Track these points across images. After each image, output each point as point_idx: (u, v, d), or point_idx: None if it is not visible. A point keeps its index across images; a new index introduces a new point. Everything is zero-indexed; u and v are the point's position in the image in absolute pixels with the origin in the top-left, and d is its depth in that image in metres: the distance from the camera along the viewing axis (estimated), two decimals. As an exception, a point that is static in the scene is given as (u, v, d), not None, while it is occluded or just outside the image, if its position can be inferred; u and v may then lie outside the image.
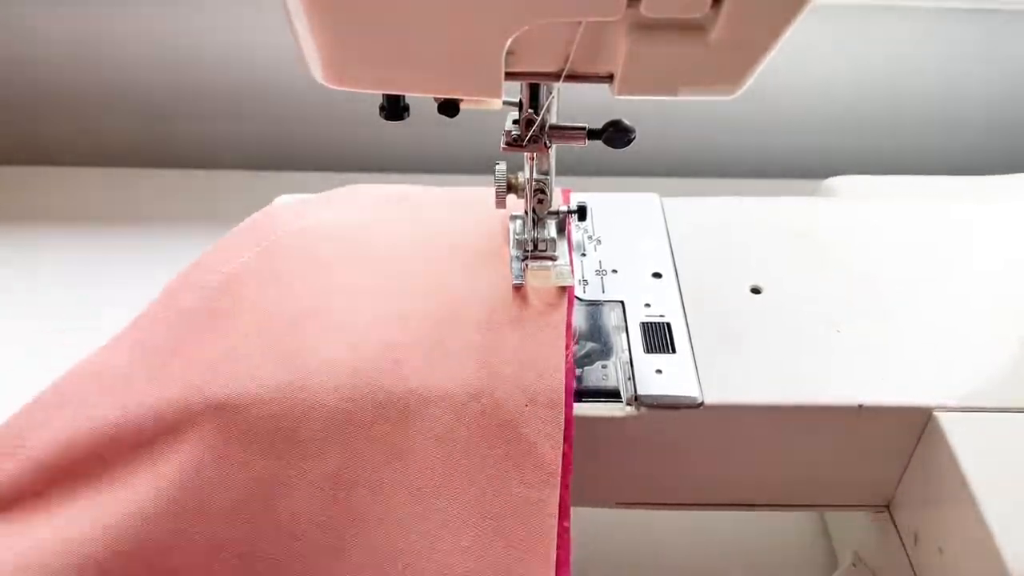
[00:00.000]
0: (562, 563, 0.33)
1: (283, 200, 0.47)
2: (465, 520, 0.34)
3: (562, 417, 0.35)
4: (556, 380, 0.36)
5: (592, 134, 0.37)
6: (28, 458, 0.35)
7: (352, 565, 0.33)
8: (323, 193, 0.47)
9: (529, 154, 0.38)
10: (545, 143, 0.37)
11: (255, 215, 0.44)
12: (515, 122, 0.37)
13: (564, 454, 0.35)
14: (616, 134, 0.36)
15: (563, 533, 0.34)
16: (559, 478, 0.34)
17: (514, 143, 0.36)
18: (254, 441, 0.35)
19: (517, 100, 0.36)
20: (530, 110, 0.36)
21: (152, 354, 0.38)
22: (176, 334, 0.38)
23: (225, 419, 0.35)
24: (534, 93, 0.35)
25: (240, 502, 0.34)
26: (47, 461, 0.35)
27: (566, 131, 0.37)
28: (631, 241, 0.45)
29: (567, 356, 0.37)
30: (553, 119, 0.37)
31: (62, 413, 0.36)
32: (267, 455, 0.35)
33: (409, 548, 0.33)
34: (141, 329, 0.39)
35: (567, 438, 0.35)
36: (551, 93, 0.36)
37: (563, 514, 0.34)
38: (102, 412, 0.36)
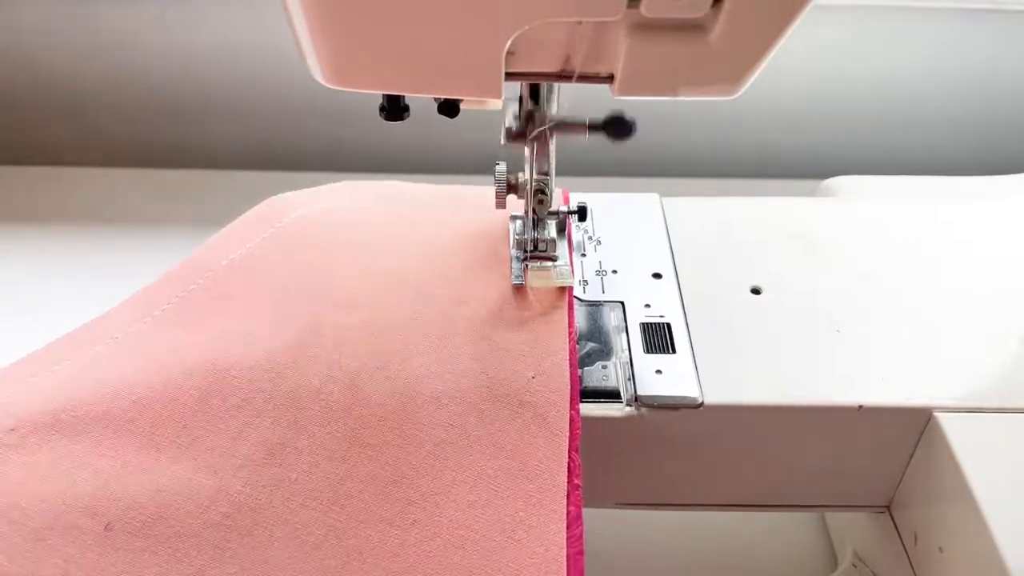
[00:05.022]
0: (574, 518, 0.33)
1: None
2: (475, 478, 0.34)
3: (567, 385, 0.35)
4: (560, 359, 0.36)
5: (593, 127, 0.36)
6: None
7: (360, 520, 0.33)
8: (320, 187, 0.47)
9: (529, 153, 0.38)
10: (546, 137, 0.37)
11: (259, 205, 0.45)
12: (516, 117, 0.37)
13: (571, 419, 0.35)
14: (618, 127, 0.36)
15: (574, 490, 0.33)
16: (566, 439, 0.34)
17: (514, 137, 0.36)
18: (266, 413, 0.35)
19: (518, 95, 0.36)
20: (531, 103, 0.36)
21: (166, 330, 0.38)
22: (187, 313, 0.39)
23: (237, 391, 0.35)
24: (534, 89, 0.35)
25: (251, 462, 0.34)
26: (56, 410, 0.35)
27: (567, 125, 0.37)
28: (631, 241, 0.45)
29: (571, 344, 0.37)
30: (554, 113, 0.37)
31: (65, 373, 0.36)
32: (277, 425, 0.35)
33: (418, 502, 0.33)
34: (147, 306, 0.40)
35: (574, 403, 0.35)
36: (552, 88, 0.36)
37: (573, 472, 0.34)
38: (115, 377, 0.36)
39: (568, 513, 0.33)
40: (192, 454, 0.34)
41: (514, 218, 0.43)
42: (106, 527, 0.31)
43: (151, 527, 0.31)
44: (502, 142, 0.36)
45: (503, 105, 0.36)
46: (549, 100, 0.36)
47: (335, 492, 0.33)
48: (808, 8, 0.29)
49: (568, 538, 0.32)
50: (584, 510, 0.34)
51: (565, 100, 0.37)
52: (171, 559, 0.31)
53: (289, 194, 0.46)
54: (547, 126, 0.36)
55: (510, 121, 0.36)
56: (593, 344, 0.40)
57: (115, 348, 0.37)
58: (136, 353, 0.37)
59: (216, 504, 0.32)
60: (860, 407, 0.37)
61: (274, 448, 0.34)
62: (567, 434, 0.35)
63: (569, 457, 0.34)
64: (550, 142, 0.37)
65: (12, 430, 0.33)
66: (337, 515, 0.33)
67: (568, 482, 0.34)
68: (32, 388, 0.36)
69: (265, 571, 0.31)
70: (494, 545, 0.32)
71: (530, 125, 0.36)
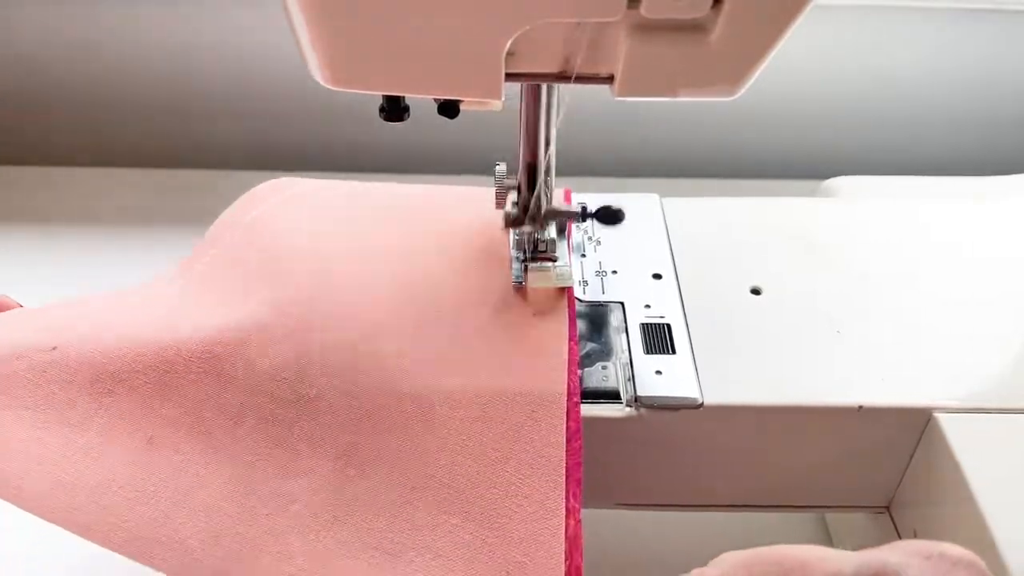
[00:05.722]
0: (574, 432, 0.35)
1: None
2: (479, 396, 0.35)
3: (565, 385, 0.36)
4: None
5: (586, 216, 0.41)
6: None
7: (377, 432, 0.35)
8: (318, 180, 0.48)
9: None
10: (542, 223, 0.39)
11: (263, 185, 0.47)
12: (514, 204, 0.39)
13: (570, 349, 0.37)
14: (608, 217, 0.41)
15: (574, 407, 0.35)
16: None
17: (513, 223, 0.39)
18: (282, 350, 0.37)
19: (516, 183, 0.39)
20: (528, 193, 0.38)
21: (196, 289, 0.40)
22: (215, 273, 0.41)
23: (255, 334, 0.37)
24: (532, 175, 0.38)
25: (275, 380, 0.36)
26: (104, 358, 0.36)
27: (561, 213, 0.40)
28: (631, 241, 0.45)
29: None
30: (551, 203, 0.39)
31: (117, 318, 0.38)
32: (292, 350, 0.37)
33: (430, 414, 0.35)
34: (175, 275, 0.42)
35: (574, 402, 0.36)
36: (552, 92, 0.36)
37: (572, 391, 0.36)
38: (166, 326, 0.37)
39: (568, 428, 0.35)
40: (222, 373, 0.36)
41: (514, 218, 0.43)
42: (148, 440, 0.34)
43: (188, 440, 0.34)
44: (502, 227, 0.40)
45: (503, 107, 0.36)
46: (547, 190, 0.39)
47: (351, 408, 0.35)
48: (808, 8, 0.29)
49: (568, 451, 0.34)
50: (584, 510, 0.34)
51: (565, 101, 0.37)
52: (206, 468, 0.34)
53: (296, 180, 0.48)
54: (542, 214, 0.39)
55: (509, 208, 0.39)
56: (593, 344, 0.40)
57: (148, 299, 0.40)
58: (164, 304, 0.40)
59: (245, 418, 0.35)
60: (860, 407, 0.37)
61: (297, 368, 0.36)
62: (564, 402, 0.35)
63: (568, 380, 0.35)
64: (548, 227, 0.40)
65: (54, 348, 0.36)
66: (356, 427, 0.35)
67: (568, 400, 0.35)
68: (73, 315, 0.38)
69: (289, 479, 0.34)
70: (498, 456, 0.34)
71: (527, 212, 0.39)
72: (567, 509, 0.33)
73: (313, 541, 0.33)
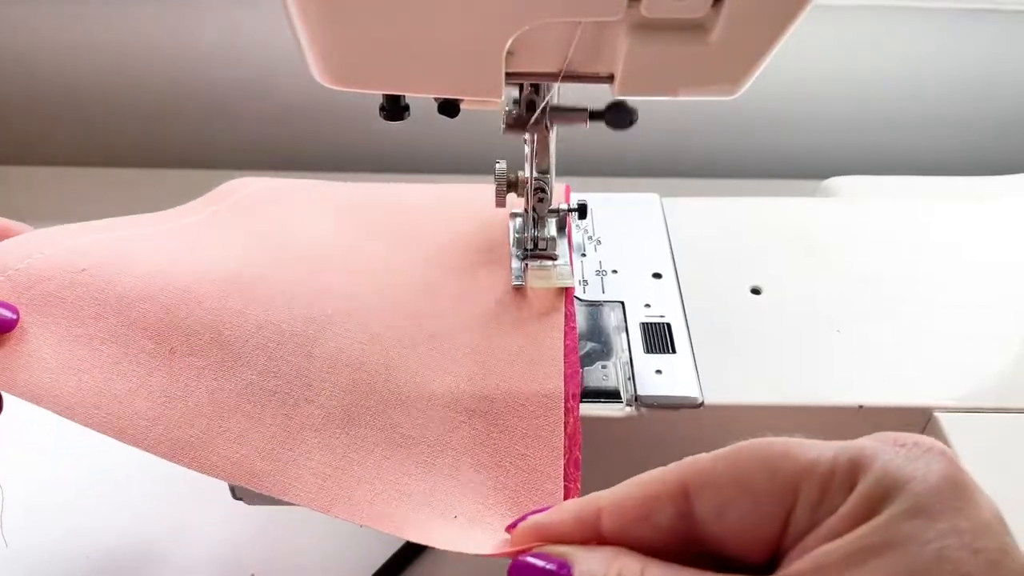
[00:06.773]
0: (571, 350, 0.37)
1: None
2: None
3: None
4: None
5: (594, 116, 0.36)
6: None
7: (388, 346, 0.37)
8: (316, 181, 0.48)
9: (529, 148, 0.38)
10: (546, 124, 0.37)
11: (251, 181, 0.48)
12: (515, 102, 0.36)
13: (570, 348, 0.37)
14: (618, 115, 0.36)
15: (571, 331, 0.38)
16: (562, 408, 0.36)
17: (514, 125, 0.37)
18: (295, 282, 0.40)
19: (519, 85, 0.36)
20: (532, 91, 0.36)
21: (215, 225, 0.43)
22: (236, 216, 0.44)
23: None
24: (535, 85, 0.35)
25: (293, 300, 0.38)
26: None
27: (567, 112, 0.36)
28: (631, 241, 0.45)
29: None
30: (555, 100, 0.36)
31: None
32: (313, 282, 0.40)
33: (439, 336, 0.37)
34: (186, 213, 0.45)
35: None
36: (552, 87, 0.36)
37: (569, 319, 0.38)
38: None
39: (566, 346, 0.37)
40: (241, 291, 0.38)
41: (514, 216, 0.43)
42: (170, 350, 0.36)
43: (208, 349, 0.36)
44: (503, 131, 0.37)
45: (503, 101, 0.36)
46: (550, 86, 0.35)
47: (367, 331, 0.37)
48: (808, 8, 0.29)
49: (566, 363, 0.37)
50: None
51: (565, 100, 0.37)
52: (225, 374, 0.36)
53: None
54: (547, 113, 0.36)
55: (509, 106, 0.36)
56: (593, 344, 0.40)
57: (165, 231, 0.42)
58: (184, 236, 0.42)
59: (263, 330, 0.37)
60: (860, 407, 0.37)
61: (311, 294, 0.38)
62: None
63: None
64: (550, 132, 0.37)
65: (83, 270, 0.37)
66: (367, 343, 0.37)
67: (566, 324, 0.38)
68: (99, 240, 0.40)
69: (306, 385, 0.36)
70: (502, 364, 0.37)
71: (530, 113, 0.36)
72: (566, 408, 0.35)
73: (329, 437, 0.34)
